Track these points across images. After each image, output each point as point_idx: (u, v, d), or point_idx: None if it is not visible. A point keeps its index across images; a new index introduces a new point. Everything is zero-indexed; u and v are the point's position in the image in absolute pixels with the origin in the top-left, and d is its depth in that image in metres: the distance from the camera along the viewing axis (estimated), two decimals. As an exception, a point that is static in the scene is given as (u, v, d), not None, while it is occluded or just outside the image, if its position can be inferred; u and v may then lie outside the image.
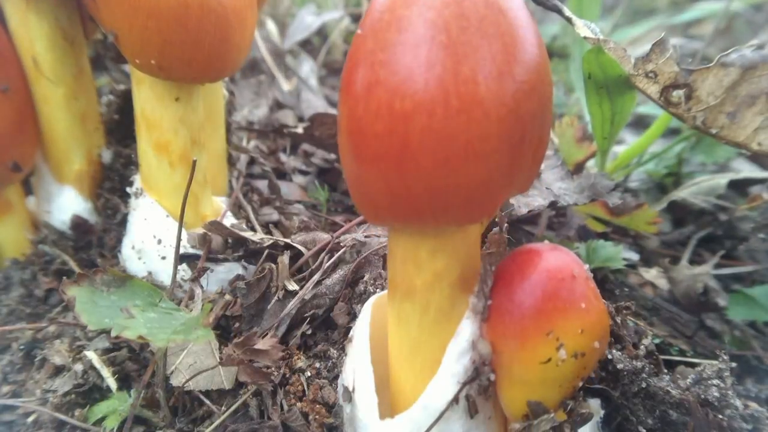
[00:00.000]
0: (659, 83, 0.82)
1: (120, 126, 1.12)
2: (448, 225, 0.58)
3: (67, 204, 1.04)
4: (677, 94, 0.82)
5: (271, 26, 1.82)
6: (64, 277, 0.72)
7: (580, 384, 0.61)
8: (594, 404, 0.70)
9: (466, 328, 0.62)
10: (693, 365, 0.85)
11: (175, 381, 0.80)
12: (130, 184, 0.99)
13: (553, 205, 0.95)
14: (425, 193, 0.53)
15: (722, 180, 1.25)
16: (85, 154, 1.04)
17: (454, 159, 0.51)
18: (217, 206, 1.02)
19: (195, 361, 0.83)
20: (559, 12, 0.88)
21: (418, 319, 0.64)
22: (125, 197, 1.06)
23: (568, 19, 0.87)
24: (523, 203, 0.93)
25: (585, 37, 0.86)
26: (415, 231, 0.61)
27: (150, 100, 0.88)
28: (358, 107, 0.53)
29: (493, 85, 0.51)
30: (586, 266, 0.62)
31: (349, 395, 0.70)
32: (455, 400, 0.62)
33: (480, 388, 0.63)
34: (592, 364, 0.61)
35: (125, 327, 0.62)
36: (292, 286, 0.90)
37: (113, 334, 0.61)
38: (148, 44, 0.79)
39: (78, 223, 1.04)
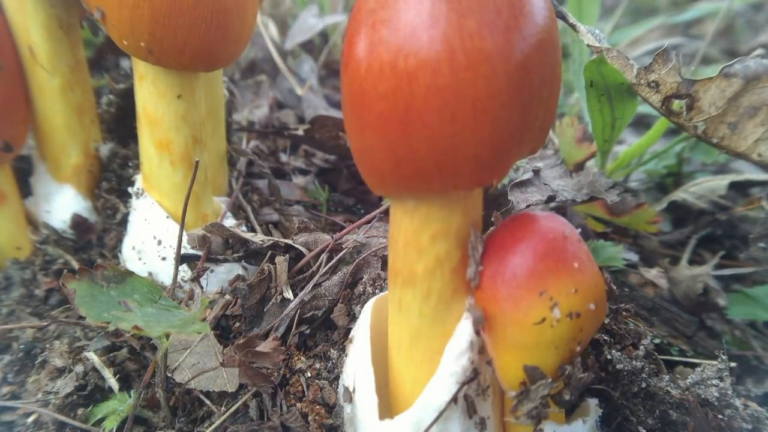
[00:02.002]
0: (661, 93, 0.82)
1: (120, 126, 1.12)
2: (456, 189, 0.56)
3: (67, 203, 1.04)
4: (679, 104, 0.82)
5: (272, 27, 1.82)
6: (65, 271, 0.72)
7: (578, 349, 0.60)
8: (592, 404, 0.70)
9: (465, 328, 0.62)
10: (693, 365, 0.85)
11: (178, 377, 0.80)
12: (131, 183, 1.00)
13: (551, 199, 0.95)
14: (432, 155, 0.52)
15: (723, 181, 1.24)
16: (82, 148, 1.04)
17: (461, 117, 0.50)
18: (217, 206, 1.02)
19: (198, 361, 0.83)
20: (564, 18, 0.88)
21: (419, 307, 0.63)
22: (124, 197, 1.06)
23: (573, 26, 0.87)
24: (522, 199, 0.93)
25: (588, 45, 0.86)
26: (421, 204, 0.59)
27: (152, 97, 0.87)
28: (360, 69, 0.52)
29: (500, 39, 0.49)
30: (578, 230, 0.62)
31: (349, 395, 0.71)
32: (454, 400, 0.62)
33: (479, 387, 0.63)
34: (588, 327, 0.60)
35: (121, 319, 0.62)
36: (288, 293, 0.90)
37: (110, 327, 0.61)
38: (138, 26, 0.75)
39: (78, 222, 1.04)
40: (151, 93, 0.87)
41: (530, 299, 0.57)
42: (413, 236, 0.61)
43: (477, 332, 0.61)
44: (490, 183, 0.57)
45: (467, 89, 0.49)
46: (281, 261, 0.93)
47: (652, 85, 0.82)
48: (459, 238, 0.61)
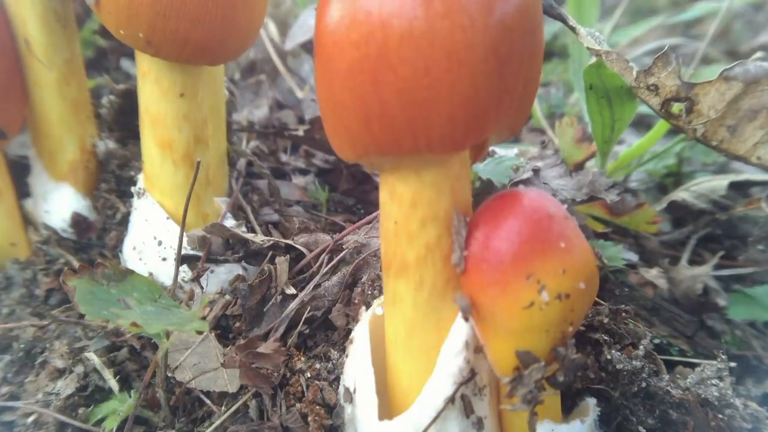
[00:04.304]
0: (660, 96, 0.82)
1: (120, 126, 1.12)
2: (429, 151, 0.53)
3: (65, 201, 1.05)
4: (678, 107, 0.82)
5: (272, 27, 1.82)
6: (66, 268, 0.72)
7: (570, 329, 0.58)
8: (591, 403, 0.70)
9: (461, 328, 0.61)
10: (693, 365, 0.85)
11: (179, 376, 0.80)
12: (131, 183, 1.00)
13: (551, 199, 0.95)
14: (403, 110, 0.50)
15: (723, 181, 1.24)
16: (78, 143, 1.04)
17: (435, 69, 0.48)
18: (217, 206, 1.02)
19: (199, 361, 0.83)
20: (564, 21, 0.88)
21: (412, 298, 0.62)
22: (124, 197, 1.06)
23: (573, 29, 0.88)
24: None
25: (588, 48, 0.86)
26: (401, 170, 0.57)
27: (154, 96, 0.86)
28: (333, 16, 0.51)
29: None
30: (564, 206, 0.61)
31: (350, 396, 0.71)
32: (451, 400, 0.62)
33: (475, 387, 0.63)
34: (580, 307, 0.58)
35: (120, 316, 0.62)
36: (290, 290, 0.90)
37: (109, 325, 0.61)
38: (136, 15, 0.71)
39: (78, 221, 1.04)
40: (154, 91, 0.86)
41: (517, 283, 0.56)
42: (402, 223, 0.60)
43: (466, 319, 0.60)
44: (465, 148, 0.55)
45: (443, 39, 0.48)
46: (282, 261, 0.93)
47: (651, 88, 0.82)
48: (448, 224, 0.60)
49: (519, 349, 0.58)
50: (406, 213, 0.60)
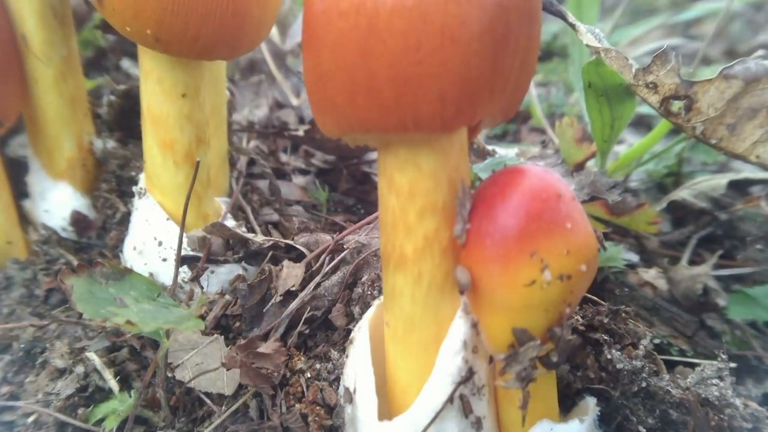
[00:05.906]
0: (659, 94, 0.82)
1: (121, 126, 1.12)
2: (416, 129, 0.52)
3: (64, 200, 1.05)
4: (678, 104, 0.82)
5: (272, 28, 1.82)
6: (64, 267, 0.71)
7: (568, 310, 0.58)
8: (590, 403, 0.70)
9: (459, 327, 0.61)
10: (693, 365, 0.85)
11: (179, 375, 0.81)
12: (132, 183, 1.00)
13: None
14: (391, 84, 0.48)
15: (722, 180, 1.24)
16: (76, 140, 1.04)
17: (427, 44, 0.47)
18: (217, 206, 1.02)
19: (202, 361, 0.83)
20: (564, 18, 0.88)
21: (411, 292, 0.62)
22: (124, 197, 1.06)
23: (572, 26, 0.87)
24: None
25: (587, 45, 0.86)
26: (401, 150, 0.56)
27: (156, 96, 0.86)
28: None
29: None
30: (572, 187, 0.61)
31: (350, 396, 0.71)
32: (450, 400, 0.62)
33: (474, 387, 0.63)
34: (579, 289, 0.58)
35: (116, 314, 0.62)
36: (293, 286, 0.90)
37: (109, 325, 0.61)
38: (142, 11, 0.68)
39: (77, 218, 1.04)
40: (156, 91, 0.86)
41: (520, 261, 0.55)
42: (401, 214, 0.60)
43: (462, 293, 0.60)
44: (454, 129, 0.53)
45: (437, 13, 0.46)
46: (289, 265, 0.93)
47: (650, 85, 0.82)
48: (447, 215, 0.59)
49: (515, 326, 0.57)
50: (404, 203, 0.59)
